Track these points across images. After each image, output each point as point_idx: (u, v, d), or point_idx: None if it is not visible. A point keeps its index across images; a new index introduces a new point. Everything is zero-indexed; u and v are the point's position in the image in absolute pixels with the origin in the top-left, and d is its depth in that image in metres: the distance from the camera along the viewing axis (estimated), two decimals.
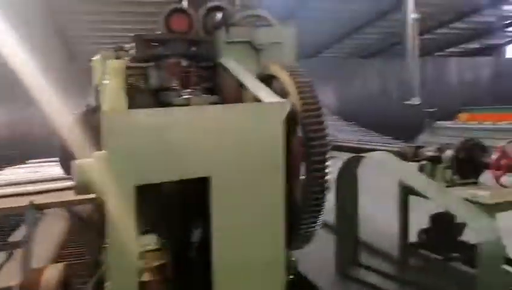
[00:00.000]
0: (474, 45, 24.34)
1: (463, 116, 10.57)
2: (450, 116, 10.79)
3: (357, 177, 3.65)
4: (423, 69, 12.05)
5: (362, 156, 3.41)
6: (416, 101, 11.03)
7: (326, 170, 1.73)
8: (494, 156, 3.03)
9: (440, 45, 23.31)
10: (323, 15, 16.85)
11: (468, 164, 3.28)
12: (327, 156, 1.72)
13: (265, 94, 1.72)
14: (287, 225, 1.68)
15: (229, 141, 1.50)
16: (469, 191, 3.04)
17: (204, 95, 2.15)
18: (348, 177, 3.60)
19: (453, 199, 2.78)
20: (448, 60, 15.88)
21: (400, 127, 10.32)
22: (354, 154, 3.76)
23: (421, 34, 19.82)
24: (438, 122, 10.27)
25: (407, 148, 3.94)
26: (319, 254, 3.84)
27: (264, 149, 1.53)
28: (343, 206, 3.62)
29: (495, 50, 24.82)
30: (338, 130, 5.95)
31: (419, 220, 3.63)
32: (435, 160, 3.51)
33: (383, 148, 4.21)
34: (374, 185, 4.35)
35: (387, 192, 3.81)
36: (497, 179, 3.01)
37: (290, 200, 1.73)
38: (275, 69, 2.00)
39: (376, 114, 11.99)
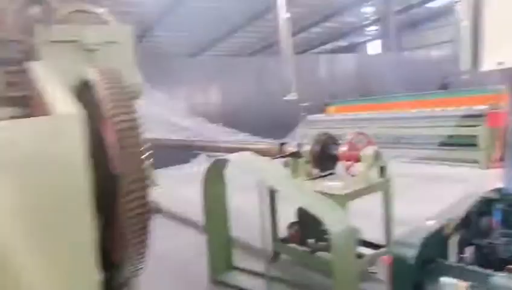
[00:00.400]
0: (342, 43, 27.04)
1: (331, 108, 11.51)
2: (322, 109, 11.69)
3: (224, 178, 3.55)
4: (299, 66, 12.74)
5: (226, 157, 3.32)
6: (293, 96, 11.60)
7: (146, 194, 1.51)
8: (343, 148, 3.21)
9: (313, 43, 25.29)
10: (201, 13, 16.82)
11: (324, 156, 3.45)
12: (146, 175, 1.50)
13: (64, 104, 1.44)
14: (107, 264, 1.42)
15: (8, 169, 1.16)
16: (324, 184, 3.18)
17: (2, 108, 1.77)
18: (215, 178, 3.49)
19: (306, 194, 2.85)
20: (319, 57, 17.21)
21: (283, 122, 10.78)
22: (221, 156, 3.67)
23: (295, 33, 21.23)
24: (311, 115, 11.00)
25: (271, 146, 4.01)
26: (197, 262, 3.69)
27: (59, 174, 1.24)
28: (212, 208, 3.50)
29: (359, 47, 27.97)
30: (215, 132, 5.89)
31: None
32: (296, 155, 3.62)
33: (249, 146, 4.23)
34: (244, 184, 4.34)
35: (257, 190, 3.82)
36: (347, 169, 3.20)
37: (109, 232, 1.48)
38: (91, 74, 1.73)
39: (260, 110, 12.35)
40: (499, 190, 1.95)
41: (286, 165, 3.71)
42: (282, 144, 3.87)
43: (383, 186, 3.17)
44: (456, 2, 2.25)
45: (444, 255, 1.76)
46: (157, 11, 16.03)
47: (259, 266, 3.53)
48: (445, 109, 7.81)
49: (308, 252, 3.52)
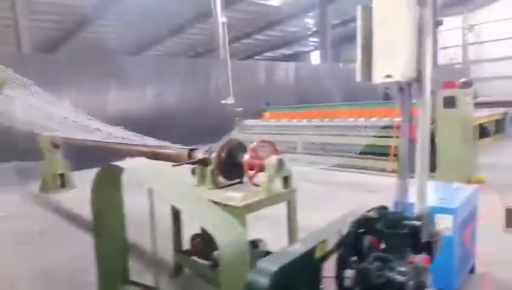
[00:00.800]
0: (287, 52, 27.56)
1: (267, 114, 11.51)
2: (260, 114, 11.67)
3: (119, 184, 3.17)
4: (239, 71, 12.66)
5: (119, 164, 2.95)
6: (230, 100, 11.50)
7: None
8: (247, 156, 3.02)
9: (257, 50, 25.51)
10: (142, 12, 16.20)
11: (230, 164, 3.24)
12: None
13: None
14: None
15: None
16: (224, 194, 2.95)
17: None
18: (107, 184, 3.10)
19: (197, 204, 2.59)
20: (259, 64, 17.25)
21: (219, 126, 10.56)
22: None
23: (238, 39, 21.21)
24: (247, 120, 10.94)
25: (181, 151, 3.74)
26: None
27: None
28: (104, 217, 3.11)
29: (303, 56, 28.69)
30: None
31: None
32: (205, 162, 3.38)
33: (159, 151, 3.93)
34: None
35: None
36: (251, 178, 3.01)
37: None
38: None
39: (200, 113, 12.07)
40: (378, 209, 1.85)
41: (193, 172, 3.47)
42: (192, 149, 3.61)
43: (287, 196, 3.02)
44: None
45: (316, 280, 1.61)
46: (96, 5, 15.12)
47: (157, 281, 3.22)
48: (368, 119, 8.04)
49: (210, 266, 3.28)
